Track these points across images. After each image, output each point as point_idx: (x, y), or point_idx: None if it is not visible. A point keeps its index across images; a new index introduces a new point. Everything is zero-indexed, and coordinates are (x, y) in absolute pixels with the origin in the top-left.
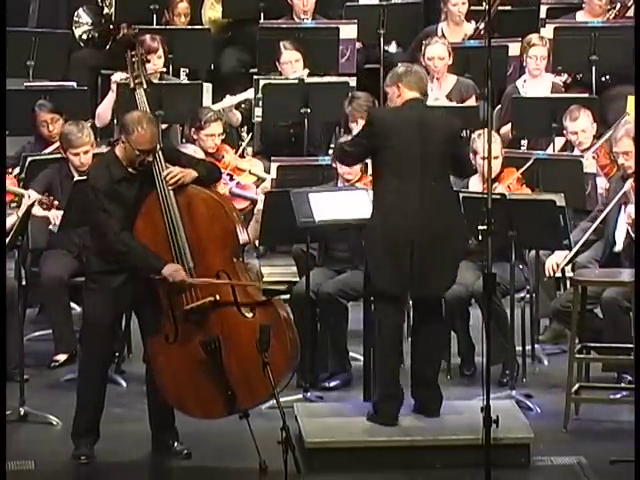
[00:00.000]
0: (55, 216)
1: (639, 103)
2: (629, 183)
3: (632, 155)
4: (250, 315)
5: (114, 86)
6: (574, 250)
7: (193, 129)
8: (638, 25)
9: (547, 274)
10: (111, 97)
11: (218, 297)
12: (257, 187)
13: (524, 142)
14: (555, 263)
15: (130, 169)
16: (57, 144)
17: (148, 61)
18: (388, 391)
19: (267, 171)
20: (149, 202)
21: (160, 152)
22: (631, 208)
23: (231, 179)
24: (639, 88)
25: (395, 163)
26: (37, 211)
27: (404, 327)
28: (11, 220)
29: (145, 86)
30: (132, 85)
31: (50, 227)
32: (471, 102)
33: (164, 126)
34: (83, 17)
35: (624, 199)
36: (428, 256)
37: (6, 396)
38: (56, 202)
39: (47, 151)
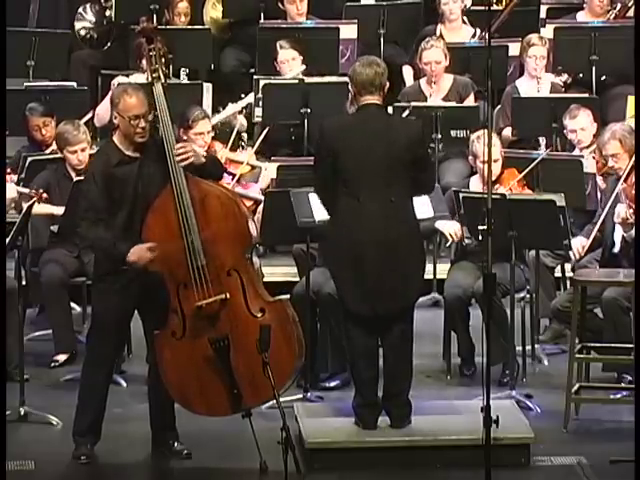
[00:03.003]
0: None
1: (639, 103)
2: (620, 184)
3: (620, 157)
4: (259, 314)
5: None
6: (594, 232)
7: (182, 129)
8: (638, 25)
9: (576, 256)
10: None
11: (228, 295)
12: (254, 179)
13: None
14: (581, 245)
15: (129, 152)
16: (53, 146)
17: (166, 56)
18: (364, 400)
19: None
20: (162, 198)
21: (173, 139)
22: (620, 207)
23: (230, 176)
24: (639, 88)
25: (347, 179)
26: (42, 208)
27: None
28: None
29: (163, 80)
30: (150, 79)
31: (51, 227)
32: (470, 100)
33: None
34: (88, 14)
35: (617, 200)
36: (387, 273)
37: (6, 396)
38: (45, 195)
39: (47, 152)
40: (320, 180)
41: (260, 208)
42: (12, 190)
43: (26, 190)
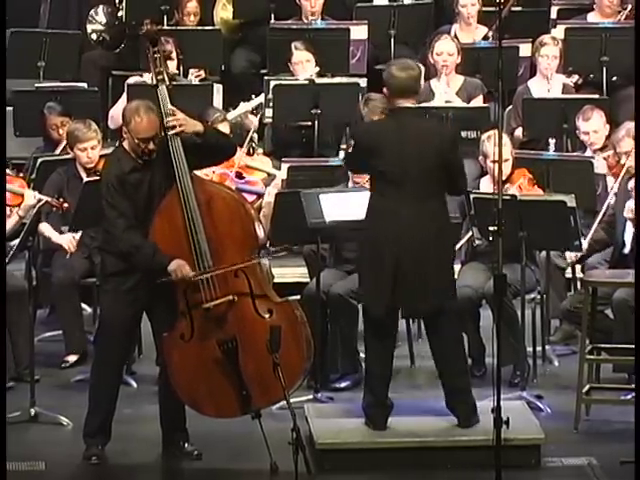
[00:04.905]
0: (69, 245)
1: (639, 103)
2: (632, 182)
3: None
4: (267, 315)
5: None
6: (589, 236)
7: None
8: (638, 25)
9: (569, 262)
10: (125, 98)
11: (236, 297)
12: (266, 185)
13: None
14: (575, 255)
15: (139, 160)
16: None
17: (170, 58)
18: (375, 399)
19: (277, 168)
20: (168, 199)
21: (178, 139)
22: (631, 202)
23: (240, 177)
24: (639, 88)
25: (381, 182)
26: (46, 229)
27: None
28: (11, 221)
29: (167, 83)
30: (154, 82)
31: (62, 228)
32: (478, 100)
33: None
34: (99, 16)
35: (628, 196)
36: (414, 275)
37: (17, 397)
38: (66, 204)
39: (57, 151)
40: (351, 164)
41: (265, 202)
42: (32, 198)
43: (48, 199)
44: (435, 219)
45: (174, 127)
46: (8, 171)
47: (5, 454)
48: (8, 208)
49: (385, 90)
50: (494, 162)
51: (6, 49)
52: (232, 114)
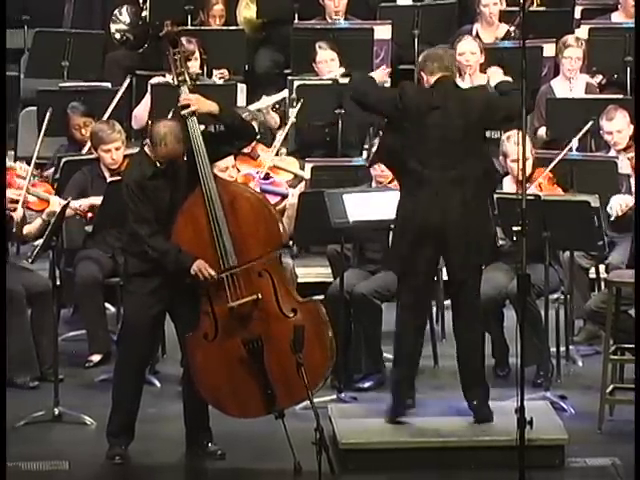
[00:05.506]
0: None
1: (639, 104)
2: None
3: None
4: (291, 315)
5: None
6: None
7: None
8: (638, 25)
9: (617, 213)
10: (148, 99)
11: (260, 296)
12: (294, 186)
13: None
14: (624, 202)
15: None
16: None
17: (190, 59)
18: (401, 374)
19: (302, 168)
20: (191, 200)
21: (202, 142)
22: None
23: (267, 178)
24: (639, 90)
25: (417, 148)
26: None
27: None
28: (36, 224)
29: (189, 83)
30: (176, 83)
31: (85, 228)
32: None
33: (201, 127)
34: (123, 16)
35: None
36: (454, 240)
37: (40, 396)
38: (90, 214)
39: (84, 151)
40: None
41: (289, 203)
42: (57, 204)
43: (72, 205)
44: (470, 184)
45: (187, 106)
46: (30, 169)
47: (5, 454)
48: (33, 212)
49: (423, 74)
50: (514, 161)
51: (27, 48)
52: (254, 106)
